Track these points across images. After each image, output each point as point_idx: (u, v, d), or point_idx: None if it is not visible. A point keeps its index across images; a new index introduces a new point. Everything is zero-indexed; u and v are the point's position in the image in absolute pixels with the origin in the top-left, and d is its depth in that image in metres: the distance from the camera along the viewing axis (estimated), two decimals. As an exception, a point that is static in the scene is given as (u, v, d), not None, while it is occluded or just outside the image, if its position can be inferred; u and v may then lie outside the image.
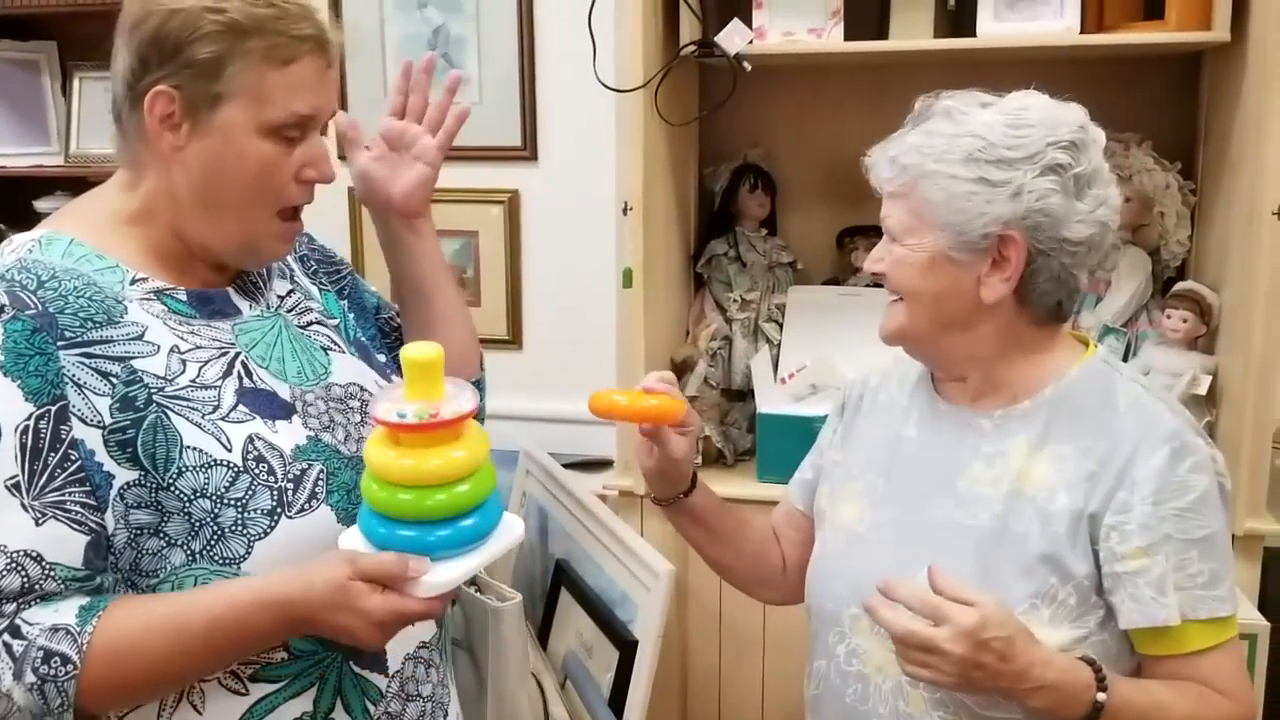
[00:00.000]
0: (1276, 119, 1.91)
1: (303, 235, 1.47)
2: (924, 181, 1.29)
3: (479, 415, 1.17)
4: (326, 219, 1.50)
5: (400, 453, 1.11)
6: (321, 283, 1.46)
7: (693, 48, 2.22)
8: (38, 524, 1.11)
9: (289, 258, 1.43)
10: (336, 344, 1.38)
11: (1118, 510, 1.26)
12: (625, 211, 2.21)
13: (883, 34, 2.19)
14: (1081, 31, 2.09)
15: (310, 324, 1.37)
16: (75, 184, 2.97)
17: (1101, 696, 1.20)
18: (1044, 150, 1.26)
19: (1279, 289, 1.95)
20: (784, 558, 1.59)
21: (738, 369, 2.48)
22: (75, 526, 1.12)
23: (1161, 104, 2.32)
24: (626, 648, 1.87)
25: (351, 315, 1.47)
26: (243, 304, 1.31)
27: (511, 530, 1.20)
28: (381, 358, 1.46)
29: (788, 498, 1.61)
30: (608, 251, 2.27)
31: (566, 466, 2.44)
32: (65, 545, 1.12)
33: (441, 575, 1.13)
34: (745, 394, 2.48)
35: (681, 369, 2.45)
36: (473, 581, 1.54)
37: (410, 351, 1.11)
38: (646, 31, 2.16)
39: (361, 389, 1.35)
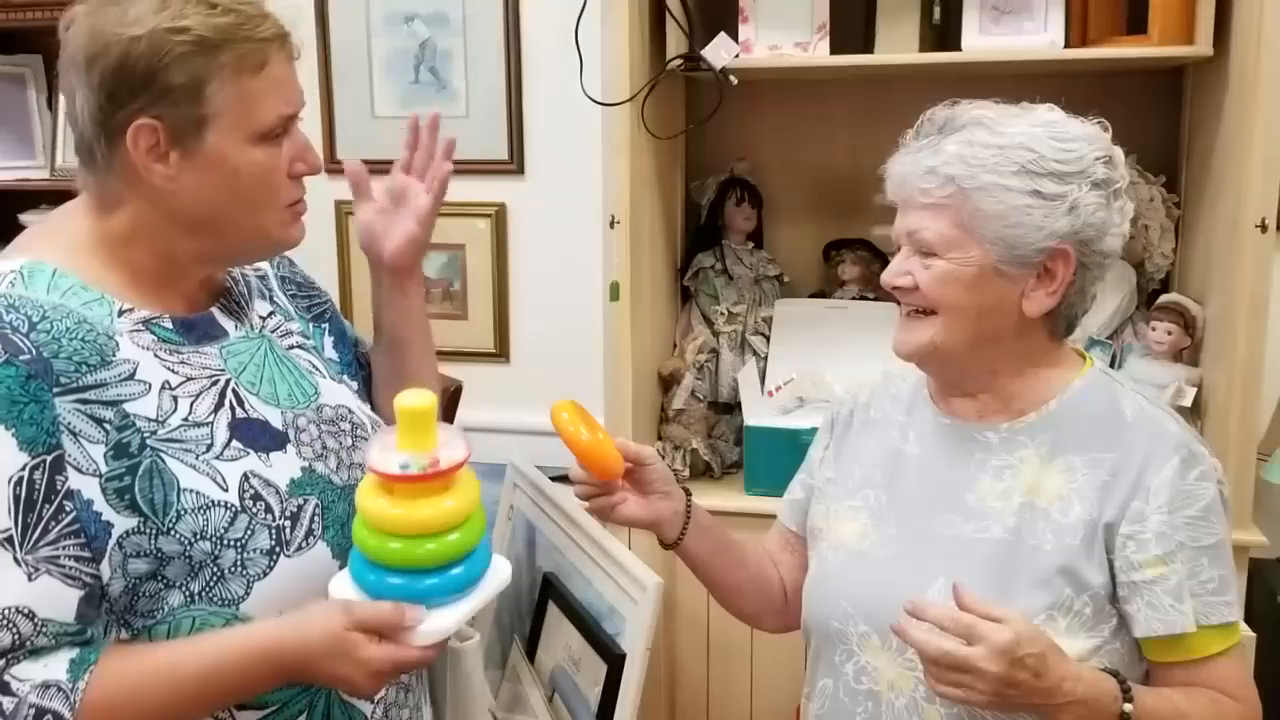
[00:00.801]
0: (1258, 133, 1.93)
1: (284, 258, 1.47)
2: (978, 193, 1.25)
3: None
4: (314, 240, 1.49)
5: (392, 501, 1.10)
6: (299, 307, 1.45)
7: (679, 62, 2.23)
8: (30, 579, 1.07)
9: (270, 275, 1.43)
10: (318, 368, 1.37)
11: (1133, 520, 1.26)
12: (612, 225, 2.21)
13: (868, 48, 2.20)
14: (1065, 46, 2.10)
15: (292, 347, 1.36)
16: (61, 197, 2.92)
17: (1128, 708, 1.21)
18: (1093, 164, 1.27)
19: (1262, 301, 1.97)
20: (783, 584, 1.56)
21: (724, 382, 2.48)
22: (69, 581, 1.09)
23: (1145, 118, 2.34)
24: (614, 661, 1.86)
25: (330, 339, 1.46)
26: (228, 324, 1.29)
27: (499, 573, 1.19)
28: (354, 385, 1.45)
29: (780, 521, 1.60)
30: (595, 265, 2.27)
31: (554, 479, 2.43)
32: (58, 600, 1.09)
33: (437, 623, 1.13)
34: (732, 407, 2.48)
35: (669, 382, 2.45)
36: None
37: (404, 400, 1.10)
38: (633, 45, 2.17)
39: (350, 411, 1.35)
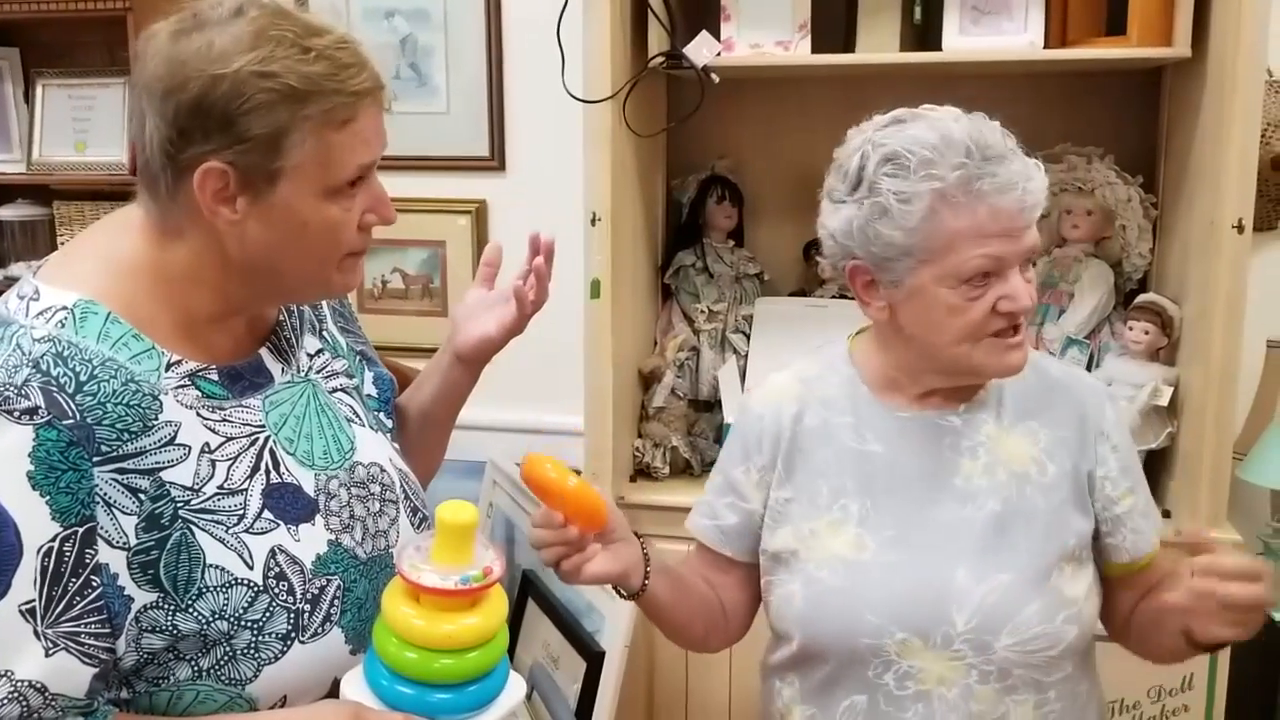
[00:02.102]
0: (1235, 133, 1.94)
1: None
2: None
3: None
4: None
5: (417, 611, 1.09)
6: (350, 342, 1.43)
7: (661, 59, 2.23)
8: (48, 655, 1.04)
9: (324, 304, 1.40)
10: (358, 415, 1.34)
11: (1102, 462, 1.40)
12: (593, 222, 2.21)
13: (849, 47, 2.21)
14: (1045, 46, 2.11)
15: (335, 390, 1.33)
16: (37, 191, 2.95)
17: None
18: None
19: (1238, 301, 1.98)
20: (721, 602, 1.51)
21: (705, 379, 2.48)
22: (85, 660, 1.06)
23: (1123, 118, 2.35)
24: (593, 658, 1.86)
25: (370, 374, 1.44)
26: (275, 367, 1.26)
27: (514, 693, 1.17)
28: (389, 423, 1.43)
29: (706, 546, 1.52)
30: (575, 262, 2.27)
31: (534, 477, 2.44)
32: (72, 677, 1.06)
33: None
34: (712, 404, 2.48)
35: (649, 379, 2.46)
36: None
37: (446, 514, 1.09)
38: (615, 43, 2.17)
39: (381, 470, 1.32)
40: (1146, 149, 2.34)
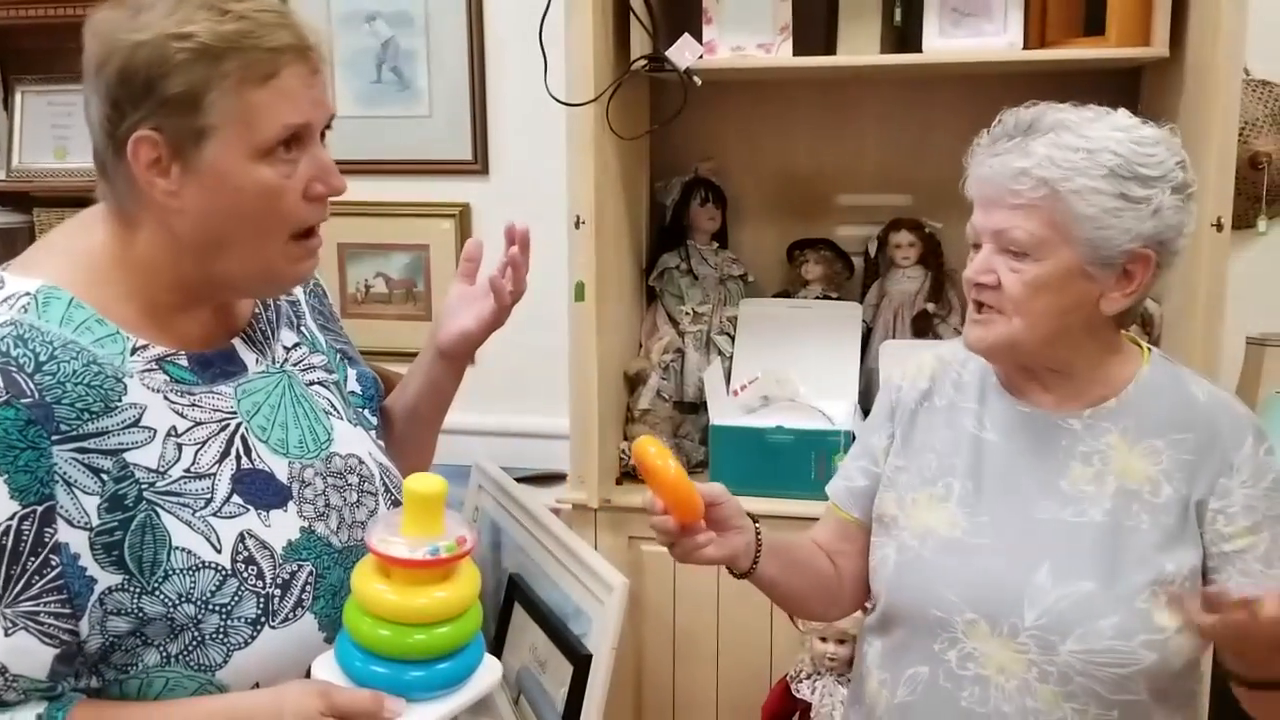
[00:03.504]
0: (1213, 133, 1.95)
1: (319, 287, 1.44)
2: (1072, 195, 1.27)
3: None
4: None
5: (389, 586, 1.08)
6: (329, 339, 1.42)
7: (643, 62, 2.24)
8: (7, 634, 1.04)
9: (302, 301, 1.39)
10: (336, 408, 1.33)
11: (1221, 495, 1.35)
12: (577, 225, 2.21)
13: (831, 49, 2.22)
14: (1024, 47, 2.13)
15: (312, 383, 1.32)
16: (17, 199, 2.93)
17: None
18: (1174, 169, 1.31)
19: (1218, 299, 1.99)
20: (839, 574, 1.56)
21: (690, 381, 2.48)
22: (45, 640, 1.06)
23: (1103, 118, 2.36)
24: (581, 662, 1.86)
25: (354, 372, 1.43)
26: (249, 357, 1.25)
27: (489, 673, 1.16)
28: (374, 420, 1.42)
29: (837, 509, 1.58)
30: (560, 265, 2.27)
31: (519, 480, 2.44)
32: (32, 658, 1.05)
33: (414, 719, 1.09)
34: (698, 406, 2.49)
35: (634, 382, 2.46)
36: None
37: (414, 484, 1.08)
38: (597, 46, 2.17)
39: (360, 461, 1.31)
40: (1126, 148, 2.36)
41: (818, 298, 2.48)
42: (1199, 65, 1.99)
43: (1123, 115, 1.34)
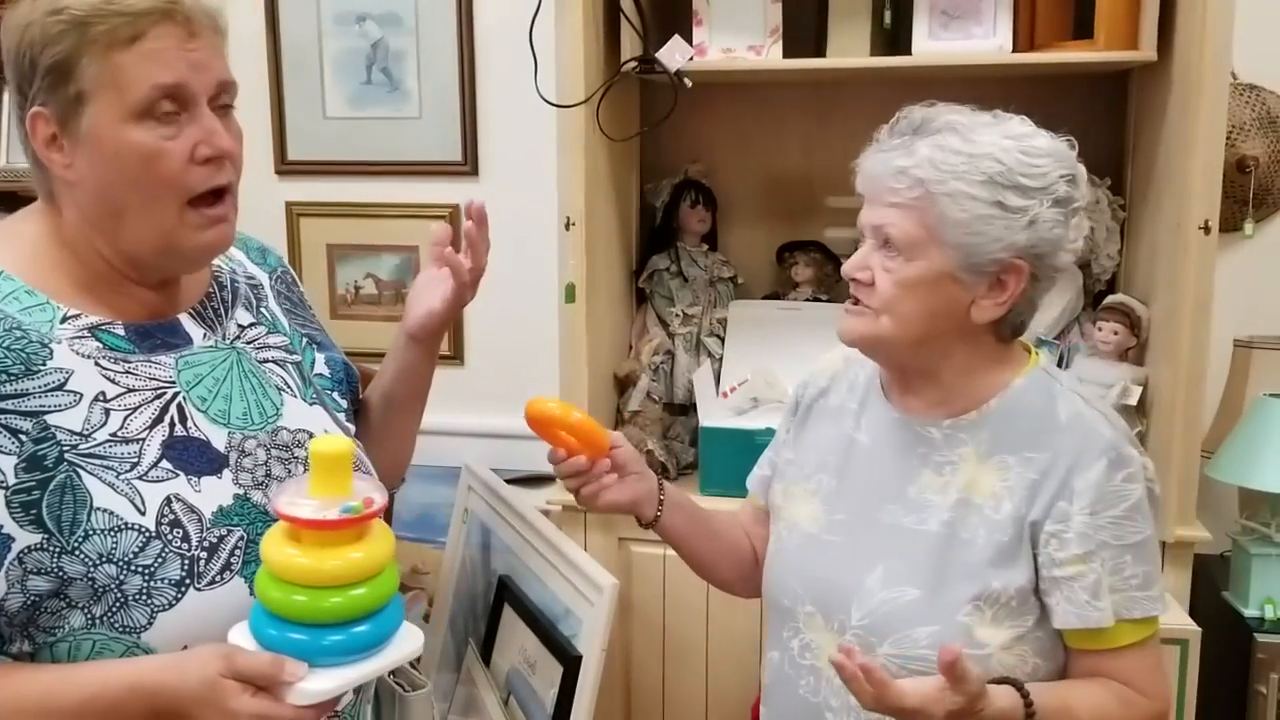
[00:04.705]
0: (1201, 136, 1.96)
1: (287, 273, 1.44)
2: (945, 199, 1.27)
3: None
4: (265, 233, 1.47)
5: (300, 550, 1.06)
6: (294, 323, 1.41)
7: (634, 64, 2.24)
8: None
9: (265, 285, 1.39)
10: (290, 386, 1.33)
11: (1057, 519, 1.31)
12: (567, 227, 2.22)
13: (820, 52, 2.22)
14: (1013, 50, 2.13)
15: (267, 361, 1.32)
16: (4, 199, 2.92)
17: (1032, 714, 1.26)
18: (1056, 182, 1.29)
19: (1206, 301, 2.00)
20: (755, 553, 1.61)
21: (680, 383, 2.49)
22: None
23: (1091, 121, 2.37)
24: (570, 663, 1.86)
25: (322, 356, 1.43)
26: (195, 331, 1.26)
27: (409, 641, 1.14)
28: (343, 403, 1.42)
29: (750, 494, 1.65)
30: (550, 267, 2.27)
31: (509, 482, 2.43)
32: None
33: (318, 683, 1.06)
34: (687, 408, 2.49)
35: (624, 383, 2.46)
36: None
37: (319, 445, 1.07)
38: (588, 47, 2.17)
39: (310, 436, 1.30)
40: (1114, 151, 2.37)
41: (807, 300, 2.49)
42: (1186, 69, 1.99)
43: (1018, 123, 1.32)
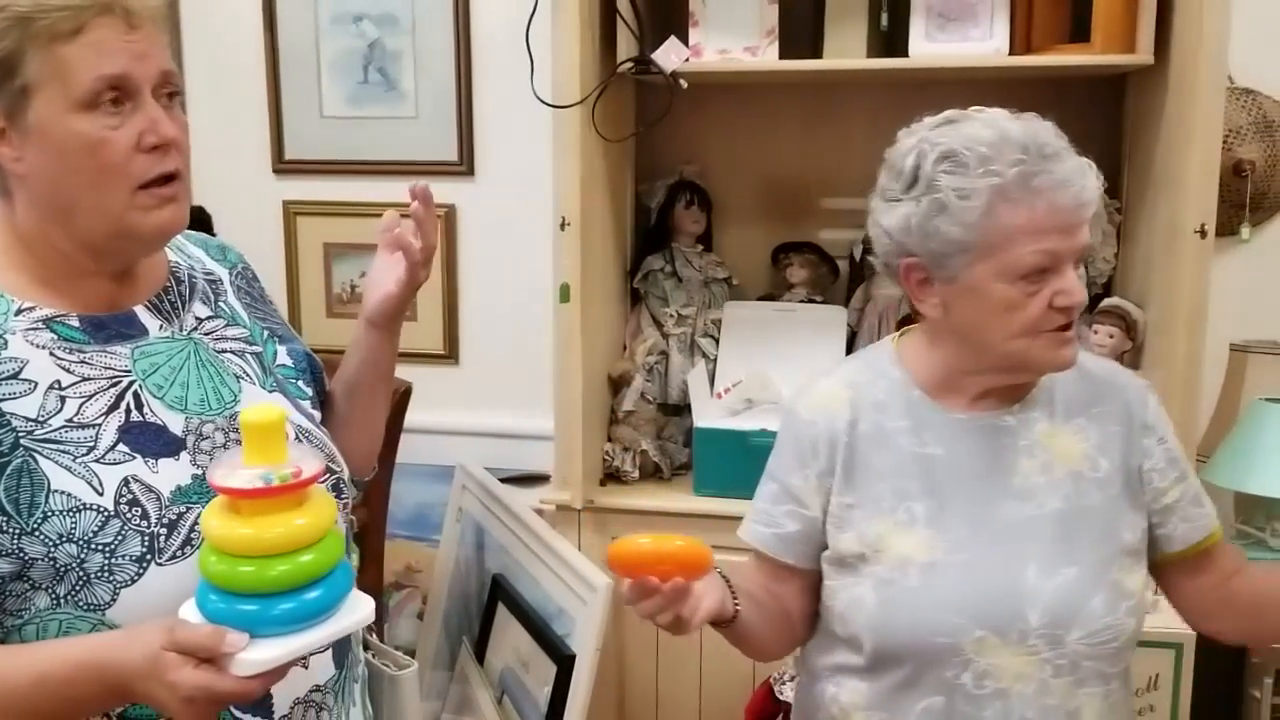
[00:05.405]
0: (1197, 139, 1.96)
1: (247, 269, 1.45)
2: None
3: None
4: (261, 240, 1.47)
5: (240, 520, 1.04)
6: (254, 315, 1.42)
7: (630, 65, 2.24)
8: None
9: (225, 280, 1.40)
10: (249, 374, 1.33)
11: (1149, 455, 1.42)
12: (562, 227, 2.21)
13: (817, 53, 2.22)
14: (1010, 53, 2.13)
15: (225, 351, 1.33)
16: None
17: None
18: None
19: (1201, 305, 2.00)
20: (788, 612, 1.49)
21: (674, 383, 2.49)
22: None
23: (1087, 124, 2.33)
24: (564, 662, 1.86)
25: (284, 348, 1.43)
26: (151, 323, 1.27)
27: (357, 608, 1.12)
28: (308, 391, 1.42)
29: (769, 558, 1.49)
30: (545, 267, 2.27)
31: (503, 481, 2.44)
32: None
33: (260, 653, 1.04)
34: (682, 408, 2.49)
35: (618, 384, 2.46)
36: (366, 646, 1.50)
37: (249, 415, 1.05)
38: (584, 48, 2.17)
39: None
40: (1110, 155, 2.37)
41: (802, 301, 2.49)
42: (1183, 72, 2.00)
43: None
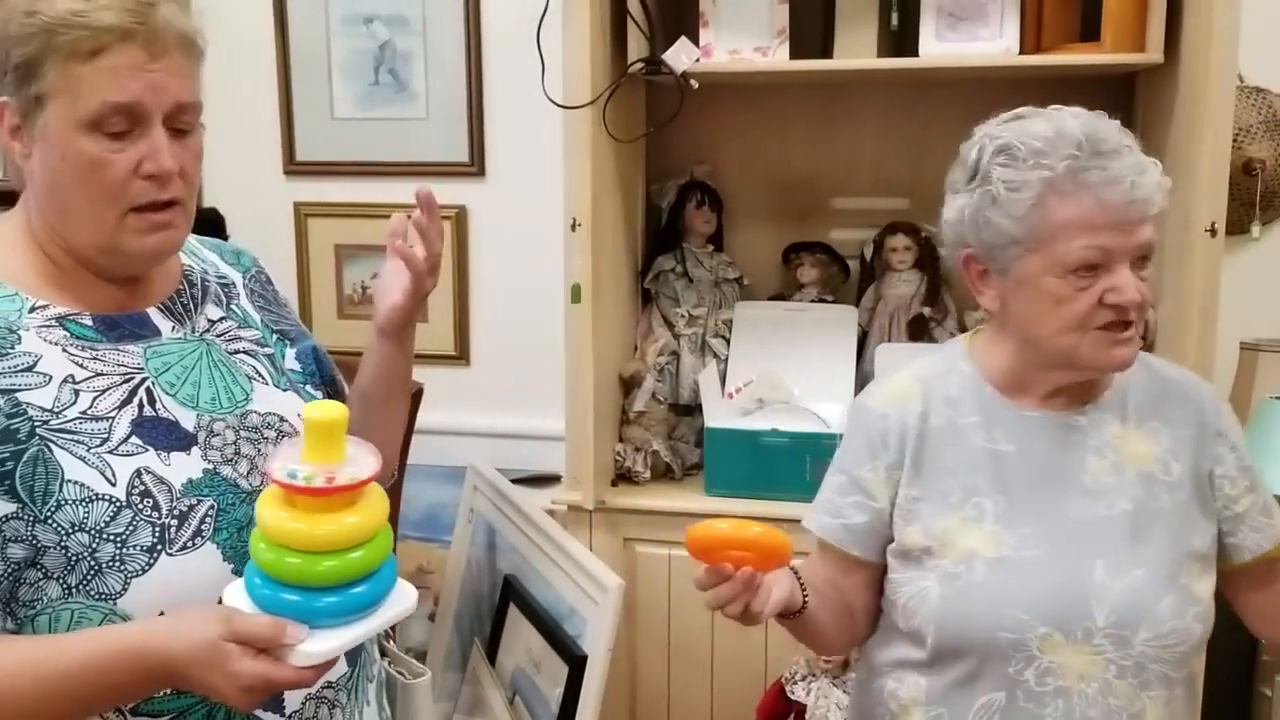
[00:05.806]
0: (1207, 138, 1.96)
1: (261, 273, 1.45)
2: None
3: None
4: (273, 242, 1.48)
5: (293, 514, 1.06)
6: (266, 319, 1.42)
7: (640, 65, 2.24)
8: None
9: (238, 284, 1.40)
10: (262, 375, 1.34)
11: (1220, 461, 1.42)
12: (573, 227, 2.22)
13: (827, 53, 2.22)
14: (1020, 52, 2.13)
15: (237, 352, 1.34)
16: (11, 200, 2.93)
17: None
18: None
19: (1212, 303, 2.00)
20: (851, 606, 1.49)
21: (685, 384, 2.49)
22: None
23: (1098, 123, 2.37)
24: (575, 663, 1.87)
25: (293, 350, 1.43)
26: (164, 324, 1.28)
27: (403, 599, 1.14)
28: (317, 395, 1.42)
29: (831, 548, 1.48)
30: (556, 267, 2.28)
31: (515, 482, 2.44)
32: None
33: (319, 645, 1.07)
34: (693, 409, 2.49)
35: (629, 384, 2.46)
36: (382, 652, 1.51)
37: (312, 411, 1.07)
38: (594, 49, 2.17)
39: (281, 419, 1.32)
40: (1121, 154, 2.37)
41: (813, 301, 2.49)
42: (1193, 72, 1.99)
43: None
